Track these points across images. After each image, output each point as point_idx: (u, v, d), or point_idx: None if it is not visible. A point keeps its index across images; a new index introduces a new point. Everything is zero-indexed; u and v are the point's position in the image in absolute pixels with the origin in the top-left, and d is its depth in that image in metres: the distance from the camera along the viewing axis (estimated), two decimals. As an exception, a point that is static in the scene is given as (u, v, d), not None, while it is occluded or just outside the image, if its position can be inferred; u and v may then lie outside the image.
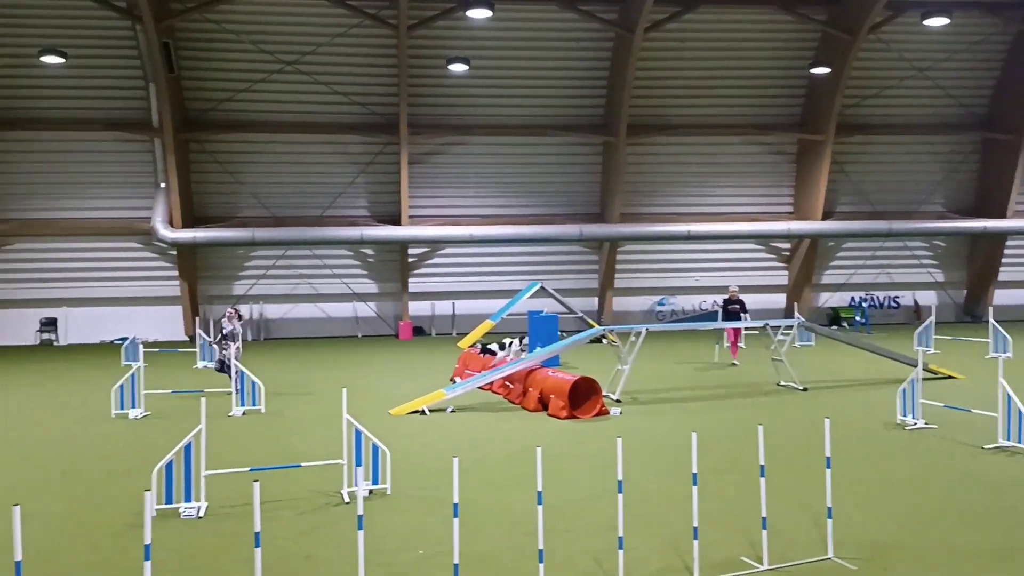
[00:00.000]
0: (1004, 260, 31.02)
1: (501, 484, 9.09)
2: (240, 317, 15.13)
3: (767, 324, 16.47)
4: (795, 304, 25.53)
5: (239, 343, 14.72)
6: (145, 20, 23.42)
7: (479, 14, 22.68)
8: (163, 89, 24.70)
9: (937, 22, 24.63)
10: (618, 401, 14.26)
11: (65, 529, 7.97)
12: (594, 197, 29.42)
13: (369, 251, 28.53)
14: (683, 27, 26.87)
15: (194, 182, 27.18)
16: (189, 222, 26.33)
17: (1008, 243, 30.77)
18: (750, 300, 21.77)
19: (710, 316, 28.18)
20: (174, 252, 26.73)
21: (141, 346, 16.04)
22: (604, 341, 19.57)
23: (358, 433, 8.66)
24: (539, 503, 6.00)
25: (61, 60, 23.94)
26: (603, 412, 13.26)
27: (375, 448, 8.75)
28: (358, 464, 8.34)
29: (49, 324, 26.80)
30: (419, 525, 7.84)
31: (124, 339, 23.11)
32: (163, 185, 25.89)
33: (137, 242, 27.19)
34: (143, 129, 25.93)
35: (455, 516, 5.84)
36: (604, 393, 13.80)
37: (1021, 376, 15.12)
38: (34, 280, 26.97)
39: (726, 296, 20.26)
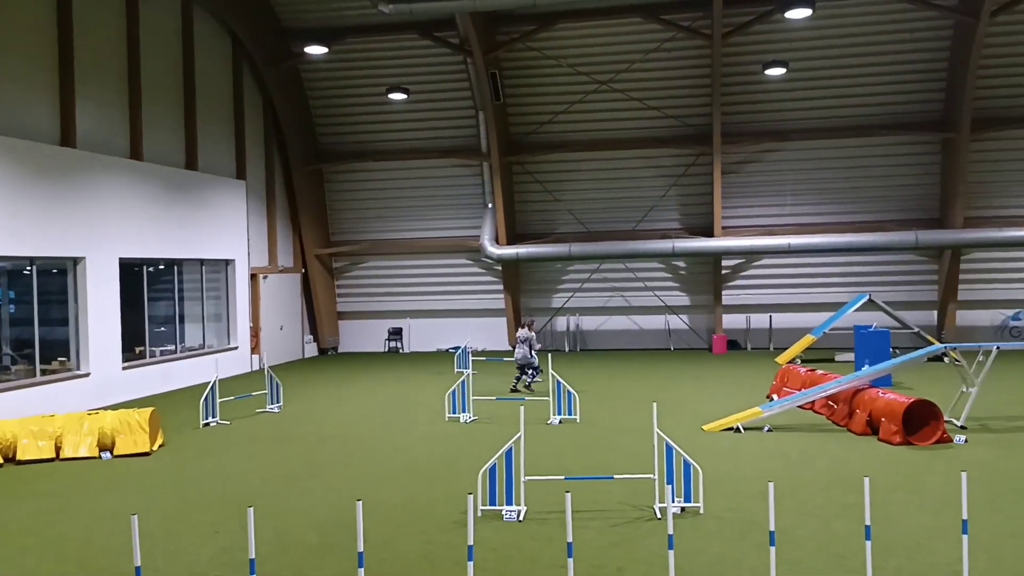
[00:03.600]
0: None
1: (821, 514, 8.51)
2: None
3: None
4: None
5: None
6: (475, 54, 25.36)
7: (799, 14, 21.64)
8: (490, 116, 26.55)
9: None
10: (963, 428, 12.75)
11: (402, 520, 8.80)
12: (930, 201, 26.66)
13: (681, 263, 28.34)
14: (1041, 4, 23.51)
15: (517, 201, 28.86)
16: (512, 239, 27.96)
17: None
18: None
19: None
20: (499, 267, 28.56)
21: (471, 355, 17.30)
22: (946, 360, 17.65)
23: (669, 448, 8.61)
24: (867, 538, 5.54)
25: (404, 96, 26.69)
26: (944, 440, 11.93)
27: (687, 465, 8.63)
28: (669, 480, 8.27)
29: (396, 334, 29.88)
30: (731, 549, 7.59)
31: (456, 348, 25.06)
32: (490, 206, 27.80)
33: (468, 258, 29.41)
34: (473, 155, 28.05)
35: (771, 544, 5.57)
36: (945, 418, 12.42)
37: None
38: (384, 294, 30.21)
39: None
